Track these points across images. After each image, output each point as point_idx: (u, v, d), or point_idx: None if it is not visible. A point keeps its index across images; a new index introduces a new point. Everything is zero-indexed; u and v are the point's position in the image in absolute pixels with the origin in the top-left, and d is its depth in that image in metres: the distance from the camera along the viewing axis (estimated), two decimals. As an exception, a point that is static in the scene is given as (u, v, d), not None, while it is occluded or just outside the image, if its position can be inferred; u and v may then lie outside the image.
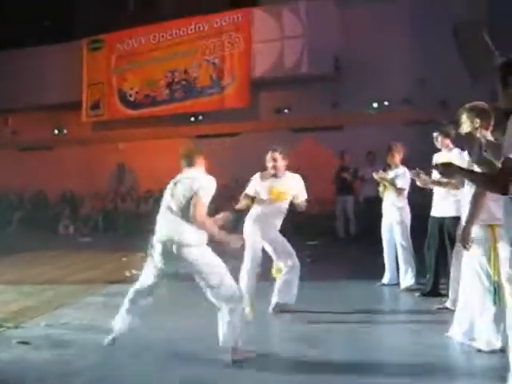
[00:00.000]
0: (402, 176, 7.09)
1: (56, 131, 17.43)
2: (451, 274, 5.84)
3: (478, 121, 4.54)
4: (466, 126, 4.65)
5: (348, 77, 13.77)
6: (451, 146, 6.14)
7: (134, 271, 8.70)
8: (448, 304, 5.89)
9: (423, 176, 6.02)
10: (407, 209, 7.23)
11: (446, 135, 6.12)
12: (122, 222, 15.06)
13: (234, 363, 4.26)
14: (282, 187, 5.93)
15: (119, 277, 8.40)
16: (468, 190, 4.59)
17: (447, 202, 6.12)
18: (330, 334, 5.19)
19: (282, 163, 5.92)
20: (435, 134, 6.26)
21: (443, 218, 6.21)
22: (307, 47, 14.26)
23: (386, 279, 7.41)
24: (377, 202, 7.82)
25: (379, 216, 7.56)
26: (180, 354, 4.62)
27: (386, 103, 13.72)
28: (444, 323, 5.08)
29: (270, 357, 4.56)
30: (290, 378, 4.16)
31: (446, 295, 6.01)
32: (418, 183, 6.15)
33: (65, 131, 17.47)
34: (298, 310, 5.89)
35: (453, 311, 5.70)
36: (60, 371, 4.35)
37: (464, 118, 4.68)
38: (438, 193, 6.27)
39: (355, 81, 13.42)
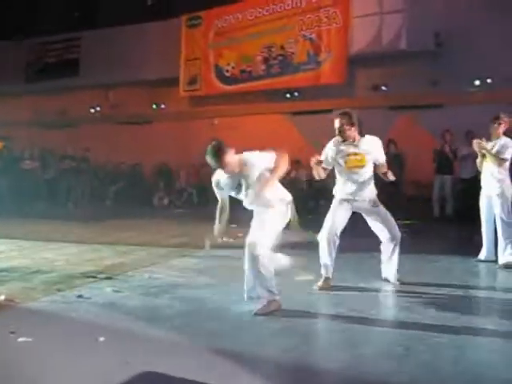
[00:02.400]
0: (505, 146, 6.72)
1: (154, 106, 17.80)
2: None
3: None
4: None
5: (449, 53, 13.22)
6: None
7: (225, 238, 8.85)
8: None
9: None
10: (508, 181, 6.80)
11: None
12: (216, 195, 15.16)
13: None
14: (356, 153, 5.52)
15: (211, 243, 8.50)
16: None
17: None
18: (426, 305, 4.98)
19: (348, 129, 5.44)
20: None
21: None
22: (407, 22, 13.76)
23: (482, 255, 7.03)
24: (476, 182, 7.42)
25: (477, 197, 7.19)
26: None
27: (488, 81, 13.07)
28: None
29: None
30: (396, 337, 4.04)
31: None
32: None
33: (162, 106, 17.81)
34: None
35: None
36: (149, 316, 4.47)
37: None
38: None
39: (456, 58, 12.88)
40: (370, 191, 5.56)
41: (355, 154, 5.45)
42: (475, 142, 6.93)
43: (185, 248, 8.01)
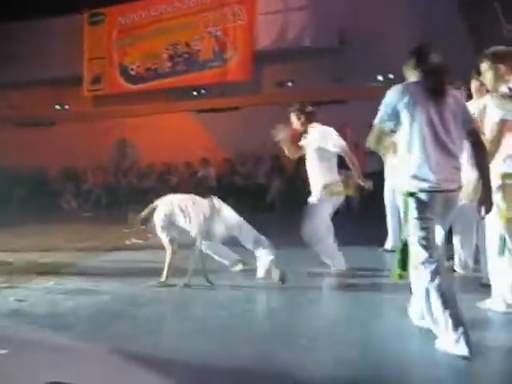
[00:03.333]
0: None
1: (57, 106, 17.25)
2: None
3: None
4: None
5: (352, 50, 13.54)
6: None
7: (134, 240, 8.72)
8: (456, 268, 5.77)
9: None
10: None
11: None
12: (125, 196, 14.96)
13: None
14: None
15: (119, 245, 8.38)
16: None
17: None
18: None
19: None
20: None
21: None
22: (311, 19, 14.05)
23: (388, 244, 7.26)
24: (380, 176, 7.64)
25: (382, 190, 7.41)
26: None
27: (391, 76, 13.49)
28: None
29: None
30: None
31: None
32: None
33: (66, 107, 17.30)
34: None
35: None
36: (53, 324, 4.32)
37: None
38: None
39: (360, 54, 13.21)
40: None
41: None
42: None
43: (91, 252, 7.82)
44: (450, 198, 3.61)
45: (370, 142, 3.74)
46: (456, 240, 5.71)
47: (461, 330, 3.32)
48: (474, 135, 3.64)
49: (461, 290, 4.66)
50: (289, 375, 3.23)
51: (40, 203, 15.17)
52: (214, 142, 14.53)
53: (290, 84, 14.52)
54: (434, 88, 3.56)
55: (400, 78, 12.80)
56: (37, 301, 5.00)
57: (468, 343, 3.30)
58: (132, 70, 15.97)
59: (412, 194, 3.53)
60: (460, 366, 3.27)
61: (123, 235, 9.21)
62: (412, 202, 3.53)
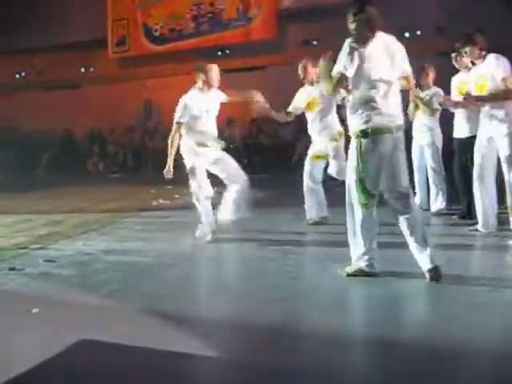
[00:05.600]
0: (437, 95, 6.81)
1: (83, 69, 17.30)
2: (476, 197, 5.67)
3: None
4: None
5: (379, 5, 13.22)
6: (470, 65, 5.89)
7: (161, 200, 8.80)
8: (479, 226, 5.73)
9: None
10: (439, 130, 6.93)
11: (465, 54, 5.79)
12: (151, 157, 15.01)
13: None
14: None
15: (146, 206, 8.45)
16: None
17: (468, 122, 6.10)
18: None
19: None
20: (453, 55, 6.21)
21: (464, 138, 6.14)
22: (336, -25, 13.73)
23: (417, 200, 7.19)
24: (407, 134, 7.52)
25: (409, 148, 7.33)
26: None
27: (418, 32, 13.23)
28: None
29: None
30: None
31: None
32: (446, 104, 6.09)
33: (91, 69, 17.32)
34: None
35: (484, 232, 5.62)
36: (82, 283, 4.39)
37: None
38: (460, 115, 6.25)
39: (387, 10, 12.87)
40: None
41: None
42: (411, 91, 6.98)
43: (118, 213, 7.89)
44: None
45: None
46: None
47: None
48: None
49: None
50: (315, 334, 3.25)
51: (67, 166, 15.34)
52: (240, 102, 14.45)
53: (315, 43, 14.30)
54: None
55: (426, 34, 12.59)
56: (66, 261, 5.07)
57: None
58: (156, 31, 15.89)
59: None
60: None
61: (150, 196, 9.32)
62: None
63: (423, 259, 3.96)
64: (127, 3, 16.29)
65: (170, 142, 5.64)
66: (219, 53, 15.34)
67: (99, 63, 17.08)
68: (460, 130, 6.28)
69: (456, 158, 6.39)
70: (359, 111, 3.95)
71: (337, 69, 4.01)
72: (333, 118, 6.38)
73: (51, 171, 15.48)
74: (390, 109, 3.93)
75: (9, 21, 16.99)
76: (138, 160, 15.38)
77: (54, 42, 16.52)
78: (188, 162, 5.68)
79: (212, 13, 15.05)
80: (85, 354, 3.07)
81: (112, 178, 13.94)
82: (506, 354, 2.86)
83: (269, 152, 13.80)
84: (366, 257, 4.10)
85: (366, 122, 3.93)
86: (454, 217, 6.50)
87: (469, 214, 6.29)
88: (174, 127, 5.65)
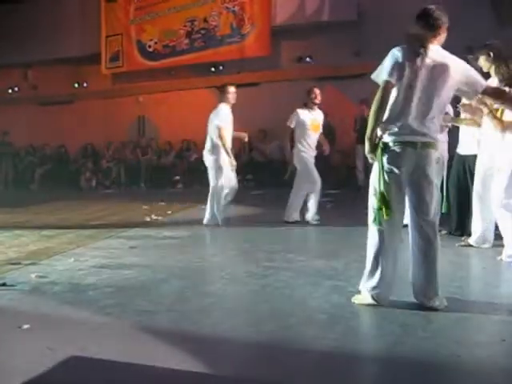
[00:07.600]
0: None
1: (76, 85, 17.31)
2: (476, 212, 5.73)
3: None
4: None
5: (371, 24, 13.37)
6: None
7: (154, 216, 8.78)
8: (471, 241, 5.80)
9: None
10: (445, 146, 6.71)
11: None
12: (144, 173, 15.01)
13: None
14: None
15: (139, 222, 8.43)
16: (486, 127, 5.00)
17: (471, 140, 6.07)
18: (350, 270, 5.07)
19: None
20: None
21: (466, 156, 6.17)
22: (329, -7, 13.87)
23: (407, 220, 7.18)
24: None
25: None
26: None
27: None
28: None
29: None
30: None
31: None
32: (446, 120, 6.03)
33: (85, 84, 17.34)
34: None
35: (476, 248, 5.67)
36: (74, 299, 4.36)
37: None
38: (464, 131, 6.24)
39: (378, 28, 13.04)
40: None
41: None
42: None
43: (111, 229, 7.85)
44: None
45: None
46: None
47: None
48: None
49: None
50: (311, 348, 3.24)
51: (61, 181, 15.33)
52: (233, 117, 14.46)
53: (308, 59, 14.39)
54: None
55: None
56: (58, 277, 5.03)
57: None
58: (150, 46, 15.94)
59: None
60: None
61: (143, 212, 9.30)
62: None
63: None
64: (121, 19, 16.35)
65: None
66: (213, 69, 15.42)
67: (93, 78, 17.10)
68: (465, 147, 6.27)
69: (453, 173, 6.40)
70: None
71: None
72: None
73: (45, 186, 15.46)
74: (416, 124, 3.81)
75: (2, 35, 17.04)
76: (131, 176, 15.37)
77: (47, 56, 16.56)
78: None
79: (205, 29, 15.11)
80: (76, 370, 3.05)
81: (105, 194, 13.92)
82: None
83: (261, 169, 13.82)
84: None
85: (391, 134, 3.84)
86: (443, 232, 6.51)
87: (458, 230, 6.33)
88: None
